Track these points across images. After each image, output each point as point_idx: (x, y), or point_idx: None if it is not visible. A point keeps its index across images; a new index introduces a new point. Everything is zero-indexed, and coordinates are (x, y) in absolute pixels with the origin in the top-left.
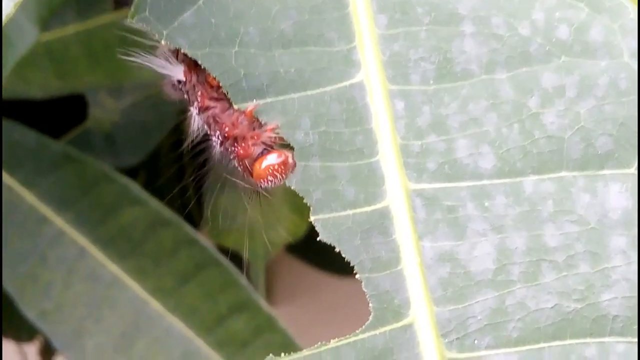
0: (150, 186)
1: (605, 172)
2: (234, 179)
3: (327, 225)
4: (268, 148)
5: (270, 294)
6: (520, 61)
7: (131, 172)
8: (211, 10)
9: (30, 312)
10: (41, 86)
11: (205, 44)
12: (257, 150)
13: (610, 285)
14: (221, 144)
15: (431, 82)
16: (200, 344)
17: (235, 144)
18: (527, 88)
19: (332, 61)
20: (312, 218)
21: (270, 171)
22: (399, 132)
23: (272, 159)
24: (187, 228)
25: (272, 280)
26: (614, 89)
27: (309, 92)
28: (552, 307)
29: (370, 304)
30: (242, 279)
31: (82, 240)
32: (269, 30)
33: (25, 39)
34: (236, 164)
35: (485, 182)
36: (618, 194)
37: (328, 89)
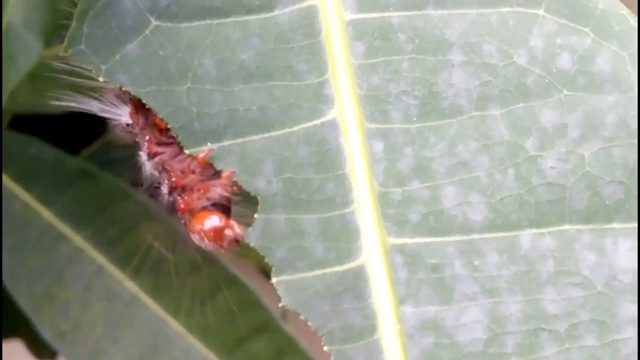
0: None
1: (615, 225)
2: (183, 237)
3: (291, 288)
4: (213, 205)
5: None
6: (516, 96)
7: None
8: (159, 41)
9: (47, 333)
10: (57, 101)
11: (151, 80)
12: (200, 205)
13: None
14: (169, 193)
15: (414, 119)
16: None
17: (182, 195)
18: (524, 127)
19: (300, 97)
20: (273, 280)
21: (203, 234)
22: (377, 178)
23: (209, 221)
24: None
25: None
26: (624, 128)
27: (272, 133)
28: None
29: None
30: (263, 299)
31: (100, 258)
32: (228, 61)
33: (29, 54)
34: (179, 217)
35: (475, 236)
36: (629, 252)
37: (295, 129)
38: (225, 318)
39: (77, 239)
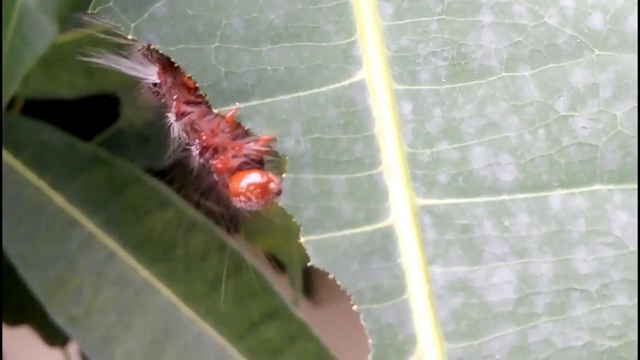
0: (189, 187)
1: None
2: (208, 204)
3: (320, 248)
4: (251, 163)
5: (313, 294)
6: (546, 56)
7: (166, 173)
8: (188, 0)
9: (59, 318)
10: (70, 86)
11: (179, 39)
12: (237, 163)
13: None
14: (200, 154)
15: (443, 80)
16: (232, 351)
17: (215, 155)
18: (555, 87)
19: (328, 57)
20: (302, 239)
21: (247, 191)
22: (406, 139)
23: (252, 177)
24: (219, 232)
25: (315, 280)
26: None
27: (300, 94)
28: (583, 346)
29: (369, 340)
30: (275, 285)
31: (112, 243)
32: (256, 21)
33: (43, 37)
34: (215, 178)
35: (505, 197)
36: None
37: (323, 89)
38: (236, 304)
39: (90, 225)
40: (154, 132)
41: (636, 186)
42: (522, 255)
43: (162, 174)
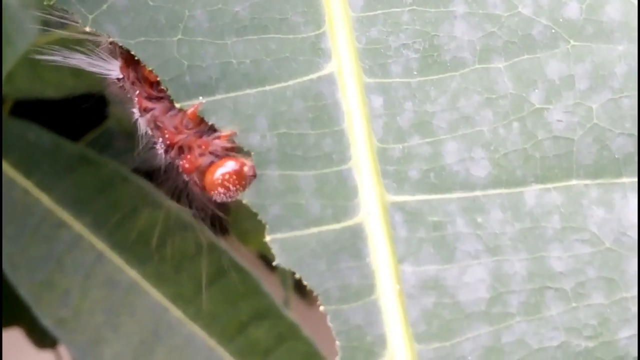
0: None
1: (624, 180)
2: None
3: (286, 246)
4: (217, 158)
5: (306, 293)
6: (521, 47)
7: (156, 173)
8: None
9: (47, 320)
10: (57, 86)
11: (140, 31)
12: (205, 162)
13: (629, 319)
14: (165, 152)
15: (415, 73)
16: (221, 352)
17: (181, 154)
18: (529, 79)
19: (296, 50)
20: (267, 238)
21: (224, 181)
22: (376, 134)
23: (227, 166)
24: (208, 232)
25: None
26: (634, 78)
27: (267, 87)
28: (558, 346)
29: (337, 342)
30: (264, 286)
31: (100, 244)
32: (220, 13)
33: (25, 36)
34: (184, 178)
35: (478, 193)
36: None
37: (291, 83)
38: (226, 305)
39: (77, 226)
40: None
41: (612, 181)
42: (495, 253)
43: (151, 174)
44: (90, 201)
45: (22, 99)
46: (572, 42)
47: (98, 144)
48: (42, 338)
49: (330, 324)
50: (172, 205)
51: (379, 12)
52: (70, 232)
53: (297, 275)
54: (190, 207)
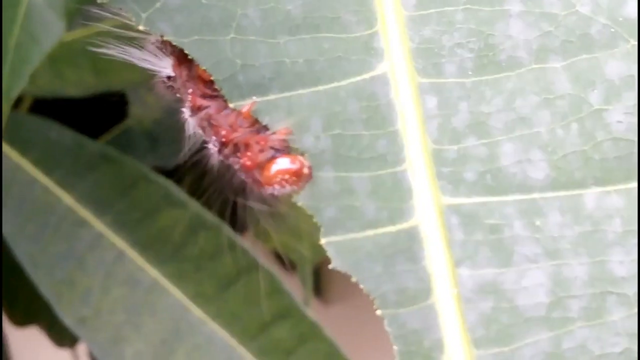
0: (198, 186)
1: None
2: (245, 201)
3: (341, 249)
4: (278, 153)
5: (323, 293)
6: (579, 47)
7: (176, 172)
8: None
9: (68, 319)
10: (78, 84)
11: (193, 30)
12: (265, 157)
13: None
14: (219, 151)
15: (470, 73)
16: (242, 352)
17: (238, 152)
18: (588, 80)
19: (349, 50)
20: (322, 241)
21: (281, 178)
22: (431, 135)
23: (284, 163)
24: (229, 231)
25: (325, 279)
26: None
27: (320, 87)
28: (621, 352)
29: (394, 347)
30: (286, 285)
31: (121, 243)
32: (273, 12)
33: (51, 35)
34: (243, 176)
35: (536, 195)
36: None
37: (344, 83)
38: (247, 304)
39: (98, 224)
40: (162, 130)
41: None
42: (554, 257)
43: (170, 173)
44: (111, 200)
45: (41, 96)
46: (632, 41)
47: (117, 142)
48: (61, 337)
49: (387, 329)
50: (193, 203)
51: (432, 10)
52: (91, 230)
53: (354, 279)
54: (245, 205)
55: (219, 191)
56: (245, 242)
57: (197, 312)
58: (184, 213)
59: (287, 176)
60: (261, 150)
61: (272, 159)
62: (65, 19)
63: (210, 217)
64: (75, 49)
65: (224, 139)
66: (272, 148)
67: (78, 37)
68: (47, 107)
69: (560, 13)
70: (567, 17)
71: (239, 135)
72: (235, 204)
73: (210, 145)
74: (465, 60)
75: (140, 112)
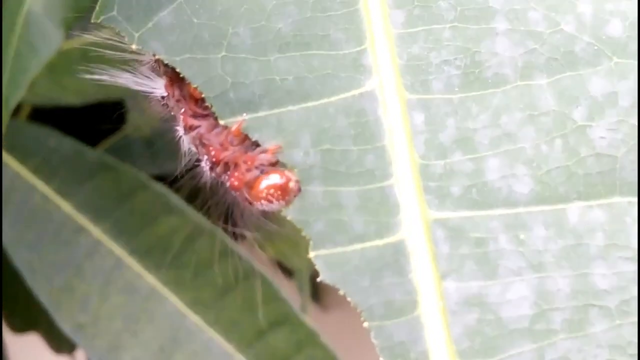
0: (196, 193)
1: None
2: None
3: (330, 262)
4: (265, 171)
5: (321, 300)
6: (563, 64)
7: (174, 180)
8: (193, 8)
9: (66, 326)
10: (77, 92)
11: (184, 48)
12: (253, 176)
13: None
14: (211, 169)
15: (456, 90)
16: (240, 358)
17: (227, 171)
18: (572, 96)
19: (338, 67)
20: (311, 254)
21: (267, 194)
22: (418, 150)
23: (270, 179)
24: (227, 238)
25: (323, 286)
26: None
27: (310, 104)
28: None
29: (380, 358)
30: (283, 292)
31: (119, 250)
32: (263, 30)
33: (49, 44)
34: (233, 194)
35: (520, 210)
36: None
37: (333, 99)
38: (245, 311)
39: (97, 232)
40: (161, 138)
41: None
42: (538, 270)
43: (168, 181)
44: (110, 207)
45: (40, 105)
46: (615, 59)
47: (116, 150)
48: (59, 343)
49: (374, 340)
50: (191, 211)
51: (420, 28)
52: (90, 238)
53: (341, 292)
54: (239, 222)
55: (216, 199)
56: (243, 249)
57: (194, 319)
58: (182, 221)
59: (273, 191)
60: (248, 170)
61: (258, 177)
62: (64, 28)
63: (208, 225)
64: (74, 58)
65: (214, 158)
66: (257, 168)
67: (76, 45)
68: (45, 115)
69: (545, 31)
70: (551, 35)
71: (228, 154)
72: (232, 212)
73: (202, 164)
74: (452, 77)
75: (138, 119)
